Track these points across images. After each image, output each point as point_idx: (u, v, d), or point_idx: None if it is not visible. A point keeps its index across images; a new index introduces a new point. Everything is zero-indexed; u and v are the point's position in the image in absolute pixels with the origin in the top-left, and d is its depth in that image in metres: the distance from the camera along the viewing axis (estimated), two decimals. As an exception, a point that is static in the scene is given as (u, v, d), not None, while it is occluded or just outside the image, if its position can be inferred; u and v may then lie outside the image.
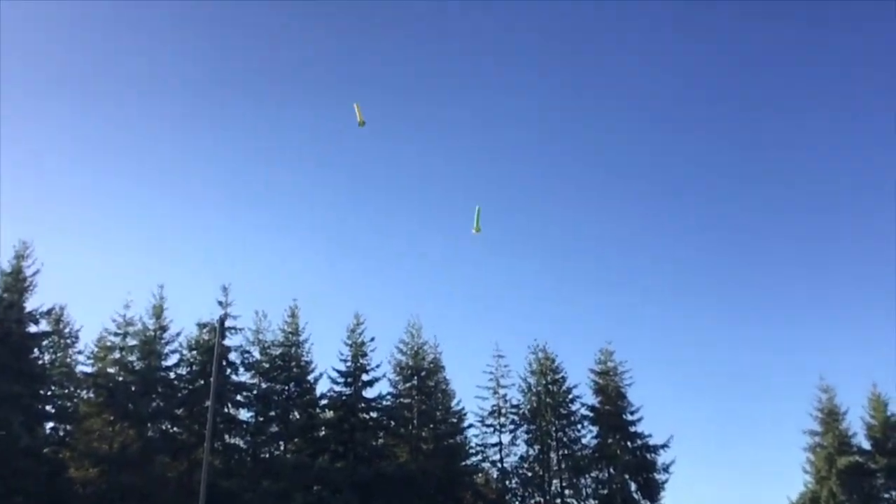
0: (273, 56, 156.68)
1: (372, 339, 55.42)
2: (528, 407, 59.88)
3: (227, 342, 50.35)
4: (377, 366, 55.03)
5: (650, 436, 60.00)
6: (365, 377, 54.38)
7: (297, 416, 52.29)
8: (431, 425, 55.80)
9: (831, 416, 60.06)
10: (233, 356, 50.96)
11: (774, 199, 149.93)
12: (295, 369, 52.72)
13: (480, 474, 59.46)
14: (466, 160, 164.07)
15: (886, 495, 59.49)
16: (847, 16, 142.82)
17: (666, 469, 59.20)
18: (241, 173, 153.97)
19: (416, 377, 56.36)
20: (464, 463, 56.44)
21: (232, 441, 50.24)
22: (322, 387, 54.69)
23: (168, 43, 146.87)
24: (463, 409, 59.24)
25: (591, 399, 61.30)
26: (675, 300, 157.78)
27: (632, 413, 60.49)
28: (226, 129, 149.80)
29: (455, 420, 57.95)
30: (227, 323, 50.53)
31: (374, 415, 54.63)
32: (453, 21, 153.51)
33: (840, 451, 58.08)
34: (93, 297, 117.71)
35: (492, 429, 59.32)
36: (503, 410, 59.70)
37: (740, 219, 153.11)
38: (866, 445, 60.04)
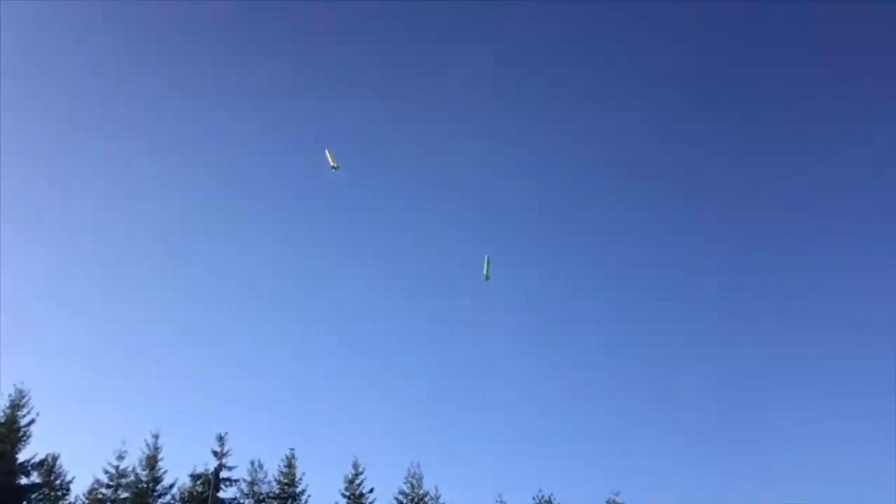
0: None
1: (371, 490, 54.00)
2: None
3: (221, 494, 49.04)
4: (377, 518, 53.30)
5: None
6: (363, 530, 52.54)
7: (291, 573, 50.13)
8: (429, 584, 53.29)
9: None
10: (226, 509, 49.48)
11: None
12: (289, 523, 51.07)
13: None
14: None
15: None
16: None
17: None
18: (234, 317, 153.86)
19: (415, 530, 54.33)
20: None
21: None
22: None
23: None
24: (464, 563, 56.79)
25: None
26: (683, 447, 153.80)
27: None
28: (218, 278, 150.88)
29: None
30: (222, 474, 49.44)
31: (370, 571, 52.34)
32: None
33: None
34: (87, 443, 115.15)
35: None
36: (502, 563, 57.08)
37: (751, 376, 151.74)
38: None
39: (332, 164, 27.07)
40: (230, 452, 50.93)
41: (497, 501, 59.03)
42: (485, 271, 31.12)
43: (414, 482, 56.51)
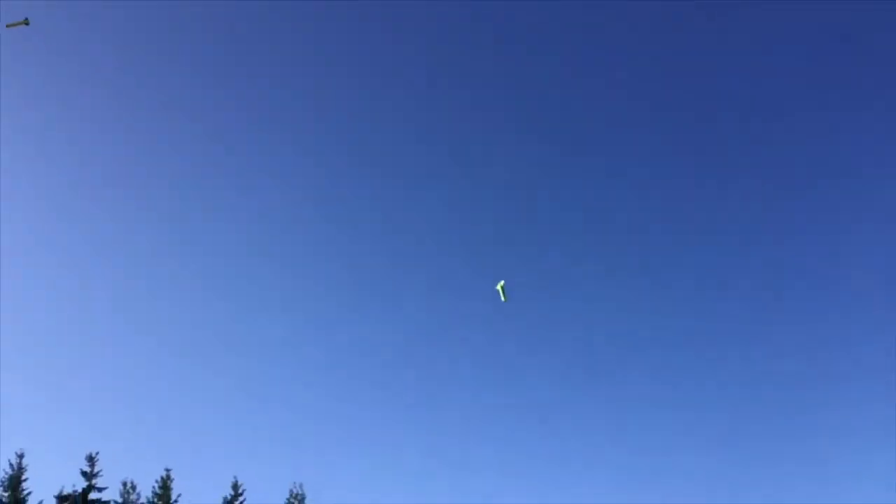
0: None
1: (251, 513, 52.73)
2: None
3: (89, 517, 46.90)
4: (255, 541, 52.08)
5: None
6: (241, 555, 51.23)
7: None
8: None
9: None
10: (95, 532, 47.30)
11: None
12: (163, 547, 49.22)
13: None
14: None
15: None
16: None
17: None
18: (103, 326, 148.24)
19: (297, 552, 53.32)
20: None
21: None
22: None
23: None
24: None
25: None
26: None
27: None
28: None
29: None
30: (92, 495, 47.21)
31: None
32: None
33: None
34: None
35: None
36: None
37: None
38: None
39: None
40: (101, 473, 48.69)
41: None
42: (501, 294, 30.22)
43: (296, 502, 55.59)
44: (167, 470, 52.49)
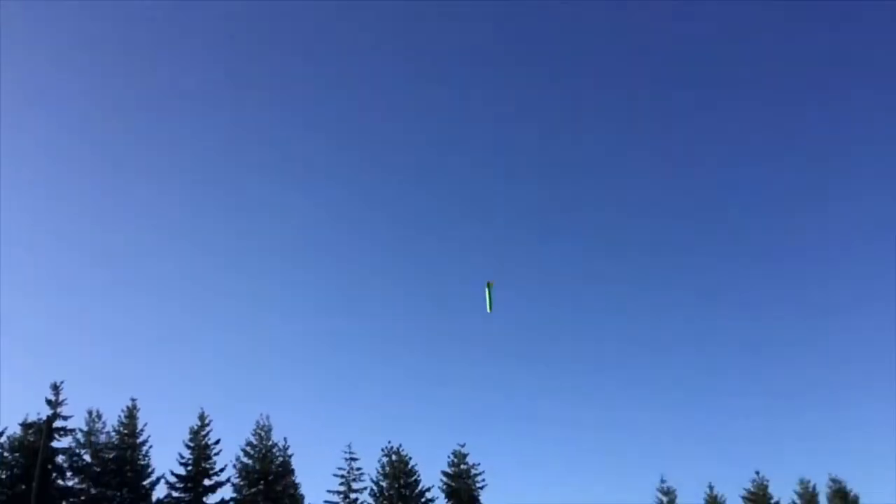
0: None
1: (217, 442, 53.41)
2: (380, 512, 58.72)
3: (55, 444, 47.14)
4: (221, 469, 52.81)
5: (500, 538, 60.14)
6: (207, 482, 51.94)
7: (130, 524, 49.06)
8: (276, 532, 53.58)
9: (672, 518, 62.14)
10: (60, 459, 47.57)
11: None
12: (129, 473, 49.58)
13: (326, 582, 57.31)
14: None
15: None
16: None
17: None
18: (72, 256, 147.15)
19: (262, 482, 54.12)
20: (309, 571, 54.37)
21: (55, 551, 46.43)
22: (159, 492, 51.70)
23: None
24: (312, 514, 57.43)
25: (443, 501, 61.05)
26: (527, 400, 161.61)
27: (483, 516, 60.60)
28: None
29: (303, 527, 55.98)
30: (57, 423, 47.38)
31: (214, 522, 52.08)
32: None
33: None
34: None
35: (341, 535, 57.64)
36: (354, 515, 58.24)
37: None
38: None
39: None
40: (66, 402, 48.83)
41: (346, 453, 60.20)
42: (487, 301, 28.57)
43: (262, 434, 56.31)
44: (133, 400, 52.85)
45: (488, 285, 27.35)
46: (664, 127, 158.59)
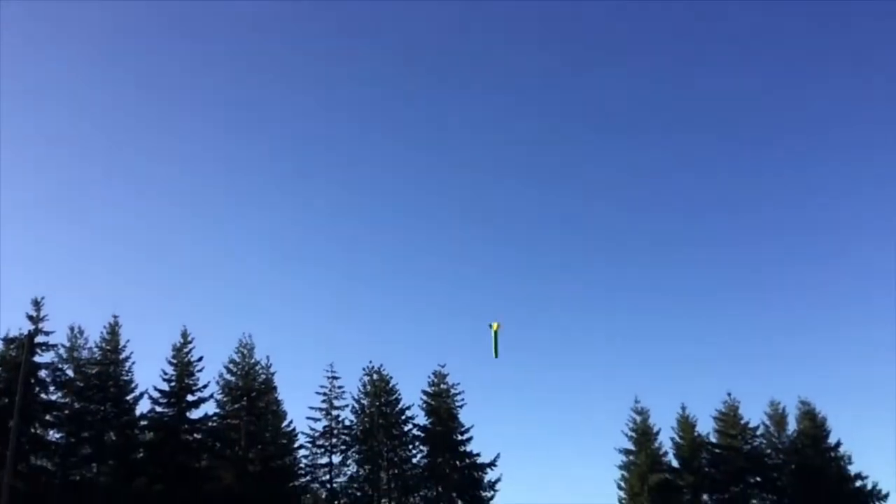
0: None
1: (200, 359, 53.90)
2: (361, 428, 59.84)
3: (37, 359, 47.30)
4: (204, 386, 53.46)
5: (478, 455, 61.71)
6: (190, 398, 52.57)
7: (114, 438, 49.77)
8: (260, 446, 54.56)
9: (644, 437, 63.86)
10: (43, 374, 47.82)
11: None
12: (112, 389, 50.15)
13: (308, 495, 58.80)
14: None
15: (692, 509, 64.13)
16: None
17: (492, 486, 60.95)
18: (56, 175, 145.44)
19: (245, 398, 54.93)
20: (292, 484, 55.64)
21: (38, 463, 47.17)
22: (143, 407, 52.47)
23: None
24: (294, 430, 58.42)
25: (423, 420, 62.36)
26: (506, 318, 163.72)
27: (462, 433, 61.94)
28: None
29: (285, 441, 57.07)
30: (38, 339, 47.45)
31: (198, 436, 52.84)
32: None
33: (652, 468, 61.87)
34: None
35: (323, 450, 58.79)
36: (335, 431, 59.33)
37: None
38: (675, 463, 64.40)
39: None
40: (47, 317, 48.78)
41: (328, 372, 61.09)
42: (493, 345, 27.28)
43: (245, 352, 56.87)
44: (115, 317, 53.01)
45: (493, 329, 26.38)
46: None
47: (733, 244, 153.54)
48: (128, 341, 52.26)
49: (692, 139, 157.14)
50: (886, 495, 61.62)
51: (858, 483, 62.17)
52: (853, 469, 62.91)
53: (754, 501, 63.66)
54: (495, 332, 27.27)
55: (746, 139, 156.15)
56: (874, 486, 61.96)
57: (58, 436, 48.24)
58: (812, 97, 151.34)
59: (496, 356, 27.74)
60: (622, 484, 63.98)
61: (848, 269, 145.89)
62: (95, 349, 50.92)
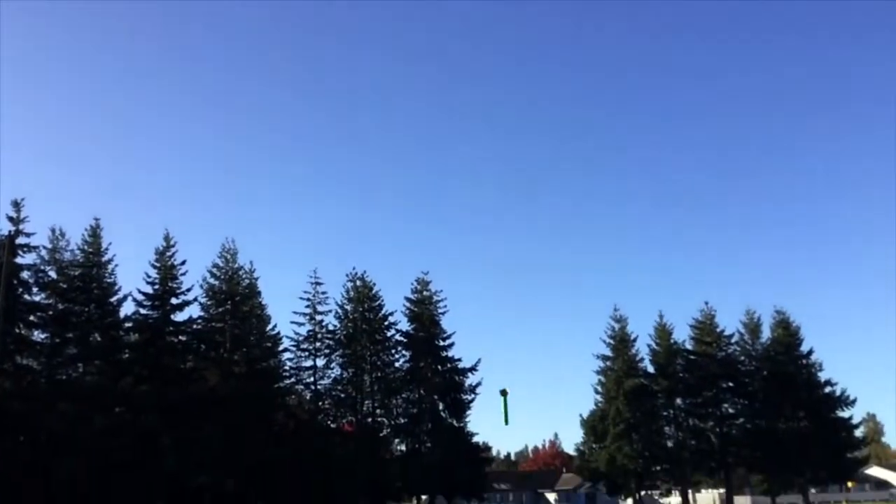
0: None
1: (183, 263, 53.90)
2: (344, 333, 60.80)
3: (18, 260, 47.12)
4: (188, 289, 53.60)
5: (460, 360, 63.13)
6: (174, 301, 52.76)
7: (99, 339, 50.19)
8: (244, 349, 55.33)
9: (622, 343, 65.43)
10: (25, 275, 47.72)
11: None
12: (96, 290, 50.21)
13: (293, 396, 60.16)
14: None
15: (665, 413, 66.24)
16: None
17: (473, 390, 62.62)
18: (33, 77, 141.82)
19: (229, 302, 55.30)
20: (277, 385, 56.78)
21: (24, 362, 47.61)
22: (127, 309, 52.74)
23: None
24: (278, 333, 59.31)
25: (406, 325, 63.41)
26: (489, 230, 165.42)
27: (444, 339, 63.18)
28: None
29: (269, 344, 57.94)
30: (19, 240, 47.10)
31: (183, 338, 53.38)
32: None
33: (628, 374, 63.61)
34: None
35: (307, 353, 59.81)
36: (319, 336, 60.19)
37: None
38: (651, 369, 66.21)
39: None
40: (28, 219, 48.34)
41: (312, 278, 61.54)
42: (503, 412, 27.20)
43: (228, 257, 56.97)
44: (96, 219, 52.63)
45: (503, 395, 26.70)
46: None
47: (710, 149, 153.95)
48: (110, 244, 52.09)
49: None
50: (854, 401, 63.91)
51: (828, 389, 64.33)
52: (823, 376, 65.00)
53: (726, 405, 65.86)
54: (505, 399, 28.56)
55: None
56: (843, 392, 64.18)
57: (42, 336, 48.45)
58: None
59: (506, 423, 27.90)
60: (599, 388, 66.04)
61: (822, 179, 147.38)
62: (77, 251, 50.72)
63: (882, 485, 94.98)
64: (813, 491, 70.31)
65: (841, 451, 62.79)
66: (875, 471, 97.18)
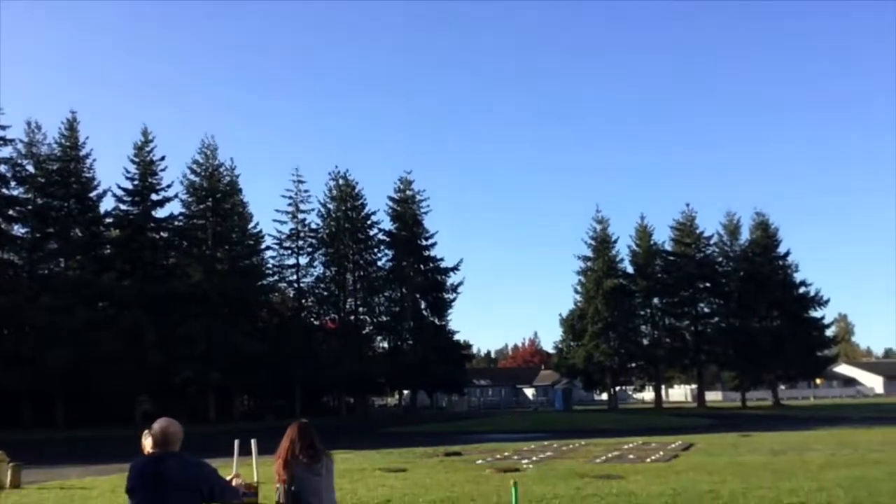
0: None
1: (162, 158, 53.32)
2: (327, 231, 60.95)
3: (-6, 153, 46.54)
4: (168, 185, 53.24)
5: (442, 259, 63.74)
6: (154, 197, 52.56)
7: (79, 234, 50.07)
8: (227, 246, 55.47)
9: (603, 244, 66.02)
10: (3, 169, 47.10)
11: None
12: (75, 185, 49.74)
13: (277, 293, 60.78)
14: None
15: (642, 312, 67.60)
16: None
17: (454, 289, 63.54)
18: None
19: (210, 198, 54.99)
20: (260, 283, 57.21)
21: (5, 257, 47.63)
22: (107, 205, 52.43)
23: None
24: (260, 231, 59.32)
25: (389, 225, 63.61)
26: (474, 130, 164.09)
27: (426, 238, 63.57)
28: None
29: (252, 242, 58.02)
30: (-5, 133, 46.42)
31: (164, 235, 53.45)
32: None
33: (607, 274, 64.43)
34: None
35: (289, 251, 60.12)
36: (302, 234, 60.36)
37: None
38: (630, 270, 67.10)
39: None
40: (2, 111, 47.32)
41: (294, 176, 61.18)
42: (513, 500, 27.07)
43: (208, 153, 56.26)
44: (72, 112, 51.65)
45: (514, 486, 27.09)
46: None
47: (695, 53, 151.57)
48: (87, 138, 51.39)
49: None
50: (827, 301, 65.34)
51: (802, 290, 65.59)
52: (799, 277, 66.17)
53: (702, 305, 67.20)
54: (515, 488, 29.10)
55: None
56: (817, 293, 65.51)
57: (23, 231, 48.36)
58: None
59: None
60: (579, 288, 67.00)
61: (807, 83, 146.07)
62: (55, 145, 49.96)
63: (849, 382, 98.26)
64: (782, 387, 72.81)
65: (812, 350, 64.59)
66: (843, 368, 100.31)
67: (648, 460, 16.65)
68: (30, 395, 44.61)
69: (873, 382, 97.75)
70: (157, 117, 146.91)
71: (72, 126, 50.61)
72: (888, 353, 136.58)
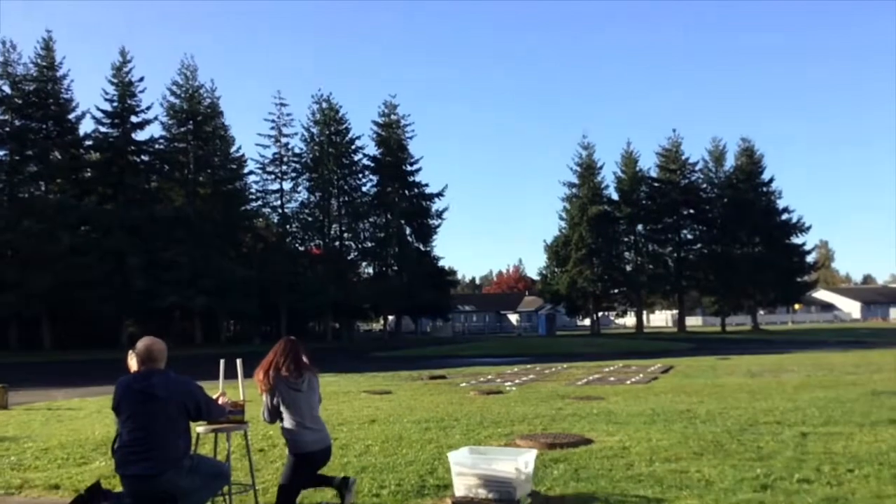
0: None
1: (141, 79, 52.11)
2: (311, 156, 60.28)
3: (-33, 72, 45.31)
4: (148, 108, 52.25)
5: (427, 185, 63.53)
6: (134, 119, 51.60)
7: (59, 157, 49.31)
8: (209, 171, 54.83)
9: (588, 171, 65.83)
10: (-23, 89, 46.18)
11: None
12: (53, 107, 48.68)
13: (261, 219, 60.49)
14: None
15: (626, 238, 68.01)
16: None
17: (439, 215, 63.54)
18: None
19: (191, 121, 54.05)
20: (244, 208, 56.80)
21: (-16, 179, 47.01)
22: (86, 127, 51.44)
23: None
24: (243, 156, 58.69)
25: (373, 150, 63.05)
26: (456, 57, 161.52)
27: (411, 164, 63.18)
28: None
29: (234, 167, 57.36)
30: (-33, 53, 45.14)
31: (145, 158, 52.71)
32: None
33: (592, 200, 64.45)
34: None
35: (273, 176, 59.59)
36: (285, 159, 59.76)
37: None
38: (615, 196, 67.17)
39: None
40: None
41: (276, 99, 60.25)
42: None
43: (188, 74, 55.05)
44: (48, 31, 50.40)
45: None
46: None
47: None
48: (64, 58, 50.13)
49: None
50: (809, 228, 65.99)
51: (784, 216, 66.03)
52: (781, 204, 66.54)
53: (685, 231, 67.64)
54: None
55: None
56: (799, 219, 66.05)
57: (1, 153, 47.51)
58: None
59: None
60: (563, 215, 67.11)
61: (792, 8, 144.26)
62: (31, 65, 48.68)
63: (827, 307, 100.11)
64: (761, 313, 74.07)
65: (791, 276, 65.44)
66: (822, 294, 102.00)
67: (628, 382, 16.97)
68: (16, 320, 44.68)
69: (851, 308, 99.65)
70: (136, 39, 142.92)
71: (48, 45, 49.27)
72: (866, 278, 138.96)
